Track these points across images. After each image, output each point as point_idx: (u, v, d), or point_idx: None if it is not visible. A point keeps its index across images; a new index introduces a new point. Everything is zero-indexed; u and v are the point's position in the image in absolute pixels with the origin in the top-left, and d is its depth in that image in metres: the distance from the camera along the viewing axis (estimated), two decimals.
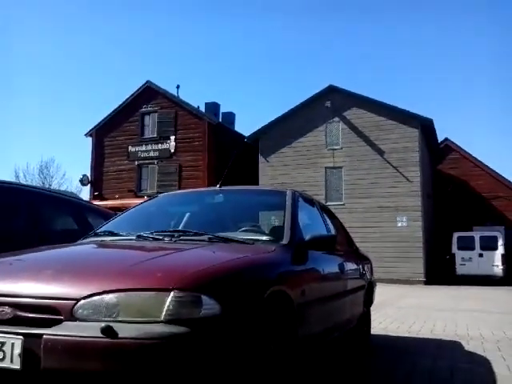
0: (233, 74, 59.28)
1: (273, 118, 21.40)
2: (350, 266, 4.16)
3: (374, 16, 53.18)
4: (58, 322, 1.83)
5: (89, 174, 25.43)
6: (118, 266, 2.21)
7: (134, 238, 2.94)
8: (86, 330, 1.76)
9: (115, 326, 1.75)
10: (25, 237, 3.61)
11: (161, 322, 1.79)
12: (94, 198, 23.84)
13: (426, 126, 19.46)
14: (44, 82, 55.90)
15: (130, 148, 24.71)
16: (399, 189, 18.86)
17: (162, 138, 24.06)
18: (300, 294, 2.66)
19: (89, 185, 25.42)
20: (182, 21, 57.77)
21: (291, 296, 2.49)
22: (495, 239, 18.59)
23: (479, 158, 24.76)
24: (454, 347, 4.94)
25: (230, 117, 27.52)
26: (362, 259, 4.85)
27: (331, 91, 20.43)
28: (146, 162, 24.36)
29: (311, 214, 3.87)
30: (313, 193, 14.76)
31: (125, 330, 1.75)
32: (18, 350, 1.79)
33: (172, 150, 23.79)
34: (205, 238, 2.80)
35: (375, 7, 52.12)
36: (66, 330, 1.78)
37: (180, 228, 3.24)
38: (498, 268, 18.13)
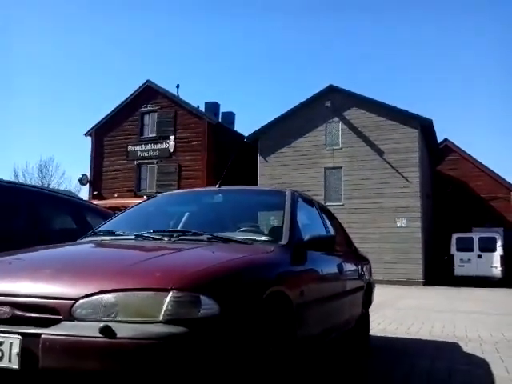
0: (233, 74, 59.32)
1: (272, 118, 21.42)
2: (349, 267, 4.16)
3: (374, 16, 53.23)
4: (56, 322, 1.83)
5: (88, 174, 25.42)
6: (117, 266, 2.20)
7: (132, 237, 2.94)
8: (85, 330, 1.76)
9: (114, 325, 1.75)
10: (24, 236, 3.61)
11: (159, 322, 1.79)
12: (93, 197, 23.83)
13: (425, 127, 19.47)
14: (44, 81, 55.94)
15: (129, 147, 24.71)
16: (399, 189, 18.86)
17: (162, 137, 24.05)
18: (299, 294, 2.65)
19: (88, 184, 25.40)
20: (182, 21, 57.81)
21: (290, 296, 2.49)
22: (494, 240, 18.60)
23: (479, 159, 24.80)
24: (452, 349, 4.94)
25: (229, 117, 27.52)
26: (360, 260, 4.85)
27: (331, 91, 20.43)
28: (146, 161, 24.35)
29: (310, 214, 3.87)
30: (312, 193, 14.75)
31: (123, 330, 1.74)
32: (16, 350, 1.79)
33: (171, 150, 23.78)
34: (204, 237, 2.80)
35: (375, 7, 52.17)
36: (65, 330, 1.78)
37: (179, 228, 3.23)
38: (496, 269, 18.14)
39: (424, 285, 17.86)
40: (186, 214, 3.60)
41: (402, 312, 8.47)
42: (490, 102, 53.83)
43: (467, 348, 4.93)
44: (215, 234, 2.83)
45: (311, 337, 2.99)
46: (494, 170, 24.39)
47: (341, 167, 19.93)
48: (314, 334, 3.08)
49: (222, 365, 1.90)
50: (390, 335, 5.71)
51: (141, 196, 20.64)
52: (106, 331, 1.73)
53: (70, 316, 1.83)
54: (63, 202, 4.61)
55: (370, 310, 5.22)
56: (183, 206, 3.94)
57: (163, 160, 23.93)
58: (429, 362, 4.19)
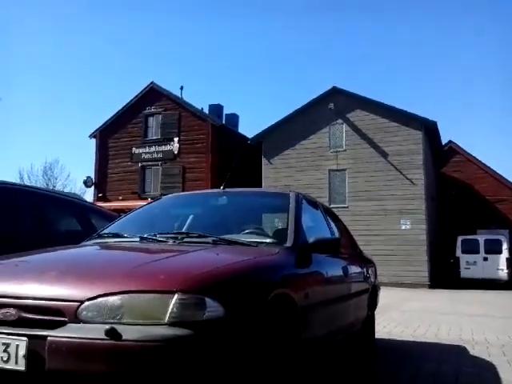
0: (236, 76, 59.43)
1: (276, 120, 21.41)
2: (354, 269, 4.15)
3: (375, 16, 53.32)
4: (62, 324, 1.83)
5: (93, 176, 25.49)
6: (122, 268, 2.21)
7: (137, 239, 2.94)
8: (90, 332, 1.77)
9: (119, 327, 1.76)
10: (30, 238, 3.62)
11: (164, 324, 1.79)
12: (98, 199, 23.88)
13: (429, 129, 19.43)
14: (48, 83, 56.17)
15: (133, 149, 24.76)
16: (403, 191, 18.81)
17: (166, 139, 24.09)
18: (304, 296, 2.65)
19: (92, 186, 25.46)
20: (185, 22, 57.98)
21: (295, 299, 2.49)
22: (500, 243, 18.52)
23: (483, 161, 24.72)
24: (458, 351, 4.91)
25: (233, 118, 27.54)
26: (366, 262, 4.84)
27: (335, 93, 20.42)
28: (150, 163, 24.39)
29: (315, 216, 3.86)
30: (316, 195, 14.74)
31: (129, 332, 1.75)
32: (22, 352, 1.79)
33: (175, 152, 23.81)
34: (209, 240, 2.80)
35: (376, 7, 52.19)
36: (71, 332, 1.79)
37: (184, 230, 3.24)
38: (502, 272, 18.05)
39: (429, 287, 17.80)
40: (191, 216, 3.60)
41: (407, 315, 8.44)
42: (495, 103, 53.71)
43: (474, 351, 4.91)
44: (220, 236, 2.83)
45: (316, 339, 2.98)
46: (499, 172, 24.33)
47: (345, 169, 19.90)
48: (319, 337, 3.07)
49: (226, 367, 1.89)
50: (395, 338, 5.69)
51: (145, 198, 20.71)
52: (112, 333, 1.73)
53: (76, 318, 1.84)
54: (68, 204, 4.62)
55: (375, 312, 5.20)
56: (188, 208, 3.95)
57: (167, 162, 23.97)
58: (435, 365, 4.17)
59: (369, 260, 5.12)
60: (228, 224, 3.46)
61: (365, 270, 4.62)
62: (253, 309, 2.08)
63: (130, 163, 24.75)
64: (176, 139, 23.85)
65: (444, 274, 19.91)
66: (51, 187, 32.71)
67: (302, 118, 20.71)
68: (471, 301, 12.26)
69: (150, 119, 24.81)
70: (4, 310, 1.91)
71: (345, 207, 19.04)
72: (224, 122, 25.89)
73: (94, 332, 1.76)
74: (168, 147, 24.00)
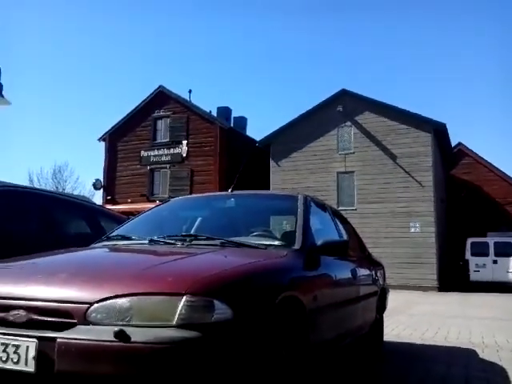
0: (245, 79, 59.46)
1: (284, 123, 21.41)
2: (363, 272, 4.14)
3: (381, 16, 53.11)
4: (71, 326, 1.85)
5: (101, 179, 25.62)
6: (131, 270, 2.22)
7: (146, 242, 2.95)
8: (100, 334, 1.78)
9: (128, 330, 1.76)
10: (39, 241, 3.64)
11: (173, 326, 1.80)
12: (107, 202, 23.99)
13: (438, 131, 19.33)
14: (57, 86, 56.53)
15: (142, 152, 24.86)
16: (412, 194, 18.72)
17: (174, 142, 24.17)
18: (312, 299, 2.65)
19: (101, 189, 25.59)
20: (195, 25, 58.17)
21: (303, 301, 2.49)
22: (510, 245, 18.35)
23: (493, 163, 24.56)
24: (468, 355, 4.88)
25: (241, 121, 27.57)
26: (374, 265, 4.82)
27: (343, 95, 20.37)
28: (158, 166, 24.48)
29: (323, 218, 3.86)
30: (324, 198, 14.73)
31: (137, 334, 1.75)
32: (32, 353, 1.81)
33: (184, 155, 23.89)
34: (217, 242, 2.81)
35: (380, 7, 52.04)
36: (80, 334, 1.80)
37: (192, 232, 3.24)
38: None
39: (438, 290, 17.67)
40: (199, 219, 3.61)
41: (416, 318, 8.40)
42: (504, 105, 53.35)
43: (484, 354, 4.87)
44: (228, 239, 2.84)
45: (324, 342, 2.98)
46: (509, 174, 24.15)
47: (353, 172, 19.84)
48: (328, 339, 3.06)
49: (235, 369, 1.89)
50: (404, 341, 5.66)
51: (153, 201, 20.76)
52: (121, 335, 1.74)
53: (85, 320, 1.85)
54: (77, 206, 4.65)
55: (383, 315, 5.18)
56: (196, 210, 3.96)
57: (176, 165, 24.04)
58: (444, 368, 4.15)
59: (377, 262, 5.10)
60: (236, 226, 3.46)
61: (373, 272, 4.60)
62: (261, 311, 2.08)
63: (138, 166, 24.85)
64: (184, 142, 23.93)
65: (453, 277, 19.78)
66: (60, 190, 32.88)
67: (310, 121, 20.69)
68: (480, 304, 12.17)
69: (159, 122, 24.91)
70: (14, 312, 1.93)
71: (353, 209, 18.98)
72: (232, 124, 25.93)
73: (103, 334, 1.77)
74: (176, 150, 24.08)
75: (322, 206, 3.99)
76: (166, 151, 24.36)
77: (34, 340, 1.82)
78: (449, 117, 57.05)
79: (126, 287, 1.92)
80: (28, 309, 1.92)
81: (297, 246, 2.88)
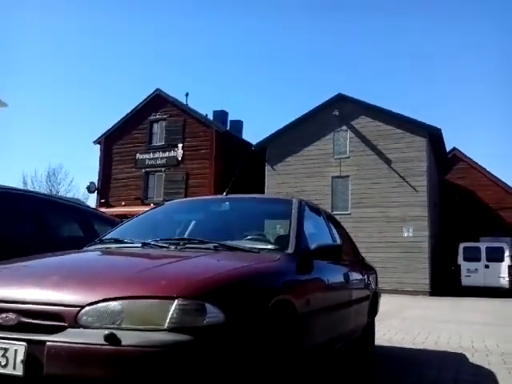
0: (242, 83, 59.59)
1: (280, 127, 21.44)
2: (355, 276, 4.15)
3: (380, 20, 53.34)
4: (61, 329, 1.84)
5: (96, 181, 25.54)
6: (123, 274, 2.21)
7: (139, 245, 2.95)
8: (90, 337, 1.77)
9: (119, 333, 1.76)
10: (31, 243, 3.63)
11: (164, 329, 1.79)
12: (101, 205, 23.92)
13: (433, 136, 19.41)
14: (55, 87, 56.41)
15: (137, 155, 24.83)
16: (406, 198, 18.78)
17: (170, 145, 24.16)
18: (305, 303, 2.65)
19: (96, 192, 25.51)
20: (192, 28, 58.23)
21: (296, 305, 2.49)
22: (502, 250, 18.44)
23: (488, 169, 24.68)
24: (458, 359, 4.89)
25: (237, 125, 27.59)
26: (367, 269, 4.83)
27: (339, 99, 20.44)
28: (153, 169, 24.45)
29: (317, 223, 3.86)
30: (319, 202, 14.75)
31: (128, 338, 1.75)
32: (20, 357, 1.79)
33: (179, 158, 23.87)
34: (210, 246, 2.81)
35: (384, 8, 52.30)
36: (70, 337, 1.79)
37: (185, 236, 3.24)
38: (504, 280, 17.97)
39: (430, 295, 17.72)
40: (193, 222, 3.61)
41: (407, 322, 8.41)
42: (499, 110, 53.70)
43: (473, 359, 4.89)
44: (221, 242, 2.83)
45: (317, 346, 2.98)
46: (503, 180, 24.28)
47: (348, 176, 19.90)
48: (320, 343, 3.07)
49: (226, 373, 1.89)
50: (396, 345, 5.67)
51: (148, 204, 20.73)
52: (111, 339, 1.74)
53: (76, 323, 1.84)
54: (71, 209, 4.64)
55: (375, 319, 5.19)
56: (190, 214, 3.95)
57: (171, 168, 24.02)
58: (436, 372, 4.16)
59: (370, 267, 5.11)
60: (230, 230, 3.46)
61: (366, 276, 4.61)
62: (253, 315, 2.08)
63: (133, 169, 24.81)
64: (180, 145, 23.92)
65: (445, 282, 19.84)
66: (54, 192, 32.79)
67: (306, 125, 20.73)
68: (472, 309, 12.21)
69: (155, 125, 24.90)
70: (3, 315, 1.92)
71: (347, 214, 19.02)
72: (228, 128, 25.94)
73: (94, 337, 1.76)
74: (172, 153, 24.06)
75: (317, 210, 4.00)
76: (161, 154, 24.34)
77: (23, 343, 1.81)
78: (444, 122, 57.39)
79: (117, 290, 1.92)
80: (18, 311, 1.91)
81: (290, 250, 2.88)
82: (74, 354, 1.75)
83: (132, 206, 22.19)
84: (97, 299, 1.87)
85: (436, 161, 22.35)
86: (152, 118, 24.84)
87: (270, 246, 2.95)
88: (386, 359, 4.84)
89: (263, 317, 2.13)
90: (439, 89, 56.04)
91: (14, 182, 39.44)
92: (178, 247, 2.83)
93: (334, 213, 16.12)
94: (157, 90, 25.03)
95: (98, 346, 1.74)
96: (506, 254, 18.27)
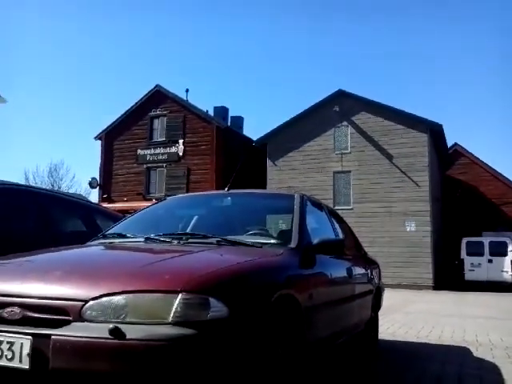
0: (242, 78, 59.50)
1: (281, 122, 21.43)
2: (358, 271, 4.15)
3: (380, 18, 53.17)
4: (66, 323, 1.84)
5: (98, 177, 25.57)
6: (127, 268, 2.22)
7: (142, 240, 2.95)
8: (95, 331, 1.77)
9: (123, 327, 1.76)
10: (35, 239, 3.63)
11: (168, 323, 1.80)
12: (103, 200, 23.95)
13: (435, 131, 19.38)
14: (55, 84, 56.39)
15: (138, 151, 24.84)
16: (408, 193, 18.78)
17: (171, 141, 24.15)
18: (308, 297, 2.65)
19: (98, 187, 25.54)
20: (193, 24, 58.12)
21: (299, 300, 2.49)
22: (505, 245, 18.44)
23: (489, 164, 24.64)
24: (462, 353, 4.90)
25: (238, 121, 27.57)
26: (370, 264, 4.84)
27: (340, 95, 20.41)
28: (155, 165, 24.46)
29: (319, 218, 3.86)
30: (321, 197, 14.73)
31: (132, 332, 1.75)
32: (26, 350, 1.80)
33: (180, 154, 23.87)
34: (213, 240, 2.81)
35: (384, 8, 52.11)
36: (75, 331, 1.80)
37: (188, 231, 3.25)
38: (507, 274, 17.97)
39: (433, 289, 17.75)
40: (196, 217, 3.62)
41: (411, 316, 8.42)
42: (501, 105, 53.55)
43: (477, 353, 4.89)
44: (224, 237, 2.84)
45: (320, 340, 2.98)
46: (505, 175, 24.25)
47: (350, 171, 19.89)
48: (323, 337, 3.07)
49: (230, 367, 1.90)
50: (399, 339, 5.68)
51: (150, 199, 20.76)
52: (116, 332, 1.74)
53: (80, 317, 1.84)
54: (73, 204, 4.64)
55: (379, 313, 5.20)
56: (192, 209, 3.96)
57: (172, 164, 24.02)
58: (439, 366, 4.16)
59: (373, 261, 5.11)
60: (232, 225, 3.46)
61: (369, 271, 4.62)
62: (257, 309, 2.08)
63: (135, 165, 24.82)
64: (181, 141, 23.91)
65: (448, 276, 19.85)
66: (56, 188, 32.82)
67: (307, 121, 20.71)
68: (475, 303, 12.22)
69: (156, 121, 24.89)
70: (9, 309, 1.93)
71: (349, 209, 19.03)
72: (229, 124, 25.93)
73: (98, 331, 1.77)
74: (173, 149, 24.06)
75: (319, 205, 4.00)
76: (162, 150, 24.34)
77: (29, 337, 1.82)
78: (446, 118, 57.34)
79: (121, 284, 1.92)
80: (23, 306, 1.92)
81: (293, 244, 2.88)
82: (78, 347, 1.76)
83: (134, 202, 22.22)
84: (101, 293, 1.88)
85: (437, 156, 22.32)
86: (152, 113, 24.82)
87: (272, 241, 2.95)
88: (390, 353, 4.85)
89: (266, 311, 2.13)
90: (440, 87, 55.97)
91: (15, 178, 39.55)
92: (181, 242, 2.83)
93: (336, 208, 16.11)
94: (157, 86, 25.00)
95: (103, 340, 1.74)
96: (509, 248, 18.26)
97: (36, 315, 1.89)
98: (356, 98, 20.18)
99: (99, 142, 25.99)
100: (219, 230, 3.08)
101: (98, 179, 25.49)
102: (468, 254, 18.78)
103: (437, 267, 18.99)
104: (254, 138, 22.97)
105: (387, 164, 19.27)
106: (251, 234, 3.04)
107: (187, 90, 25.57)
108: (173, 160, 24.03)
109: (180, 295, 1.84)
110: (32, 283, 2.03)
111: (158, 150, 24.43)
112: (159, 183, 24.27)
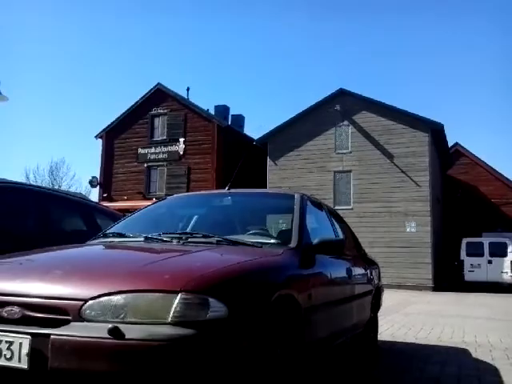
0: (243, 77, 59.48)
1: (282, 122, 21.40)
2: (358, 271, 4.15)
3: (381, 18, 53.11)
4: (65, 323, 1.84)
5: (98, 176, 25.56)
6: (126, 268, 2.21)
7: (142, 239, 2.95)
8: (94, 331, 1.77)
9: (122, 327, 1.76)
10: (35, 237, 3.63)
11: (168, 323, 1.80)
12: (103, 199, 23.94)
13: (436, 131, 19.35)
14: (56, 82, 56.38)
15: (139, 150, 24.82)
16: (408, 193, 18.76)
17: (172, 140, 24.14)
18: (307, 297, 2.65)
19: (98, 186, 25.53)
20: (194, 23, 58.08)
21: (298, 300, 2.49)
22: (505, 246, 18.42)
23: (490, 164, 24.63)
24: (461, 354, 4.89)
25: (239, 119, 27.57)
26: (369, 264, 4.83)
27: (341, 95, 20.37)
28: (155, 164, 24.45)
29: (319, 217, 3.86)
30: (321, 197, 14.73)
31: (132, 331, 1.75)
32: (25, 350, 1.80)
33: (181, 153, 23.86)
34: (213, 240, 2.80)
35: (384, 7, 52.05)
36: (74, 331, 1.79)
37: (188, 230, 3.25)
38: (507, 275, 17.95)
39: (433, 290, 17.72)
40: (196, 217, 3.61)
41: (410, 317, 8.42)
42: (502, 105, 53.50)
43: (477, 354, 4.89)
44: (224, 237, 2.83)
45: (319, 340, 2.98)
46: (505, 175, 24.23)
47: (350, 171, 19.87)
48: (322, 338, 3.07)
49: (229, 367, 1.90)
50: (398, 340, 5.68)
51: (150, 198, 20.76)
52: (115, 332, 1.74)
53: (80, 317, 1.84)
54: (73, 203, 4.64)
55: (378, 314, 5.19)
56: (193, 208, 3.95)
57: (173, 163, 24.01)
58: (438, 368, 4.16)
59: (373, 262, 5.11)
60: (232, 224, 3.46)
61: (368, 271, 4.61)
62: (256, 309, 2.08)
63: (135, 163, 24.81)
64: (182, 140, 23.90)
65: (448, 277, 19.84)
66: (57, 187, 32.82)
67: (307, 120, 20.68)
68: (475, 304, 12.21)
69: (156, 120, 24.87)
70: (8, 308, 1.92)
71: (349, 209, 19.01)
72: (230, 123, 25.91)
73: (97, 331, 1.76)
74: (174, 148, 24.05)
75: (319, 205, 3.99)
76: (163, 149, 24.33)
77: (28, 336, 1.81)
78: (446, 118, 57.37)
79: (120, 284, 1.92)
80: (22, 305, 1.92)
81: (293, 244, 2.88)
82: (77, 347, 1.76)
83: (134, 201, 22.22)
84: (100, 293, 1.88)
85: (438, 156, 22.30)
86: (153, 112, 24.81)
87: (272, 241, 2.95)
88: (390, 354, 4.84)
89: (266, 311, 2.13)
90: (441, 87, 55.89)
91: (16, 176, 39.50)
92: (181, 241, 2.83)
93: (337, 208, 16.10)
94: (158, 84, 24.97)
95: (102, 340, 1.74)
96: (509, 249, 18.24)
97: (35, 315, 1.89)
98: (357, 97, 20.15)
99: (100, 140, 25.98)
100: (219, 230, 3.08)
101: (99, 178, 25.49)
102: (468, 254, 18.75)
103: (437, 268, 18.97)
104: (255, 137, 22.95)
105: (388, 163, 19.25)
106: (251, 234, 3.04)
107: (188, 89, 25.63)
108: (173, 159, 24.02)
109: (179, 295, 1.84)
110: (31, 282, 2.03)
111: (158, 149, 24.42)
112: (160, 182, 24.26)
